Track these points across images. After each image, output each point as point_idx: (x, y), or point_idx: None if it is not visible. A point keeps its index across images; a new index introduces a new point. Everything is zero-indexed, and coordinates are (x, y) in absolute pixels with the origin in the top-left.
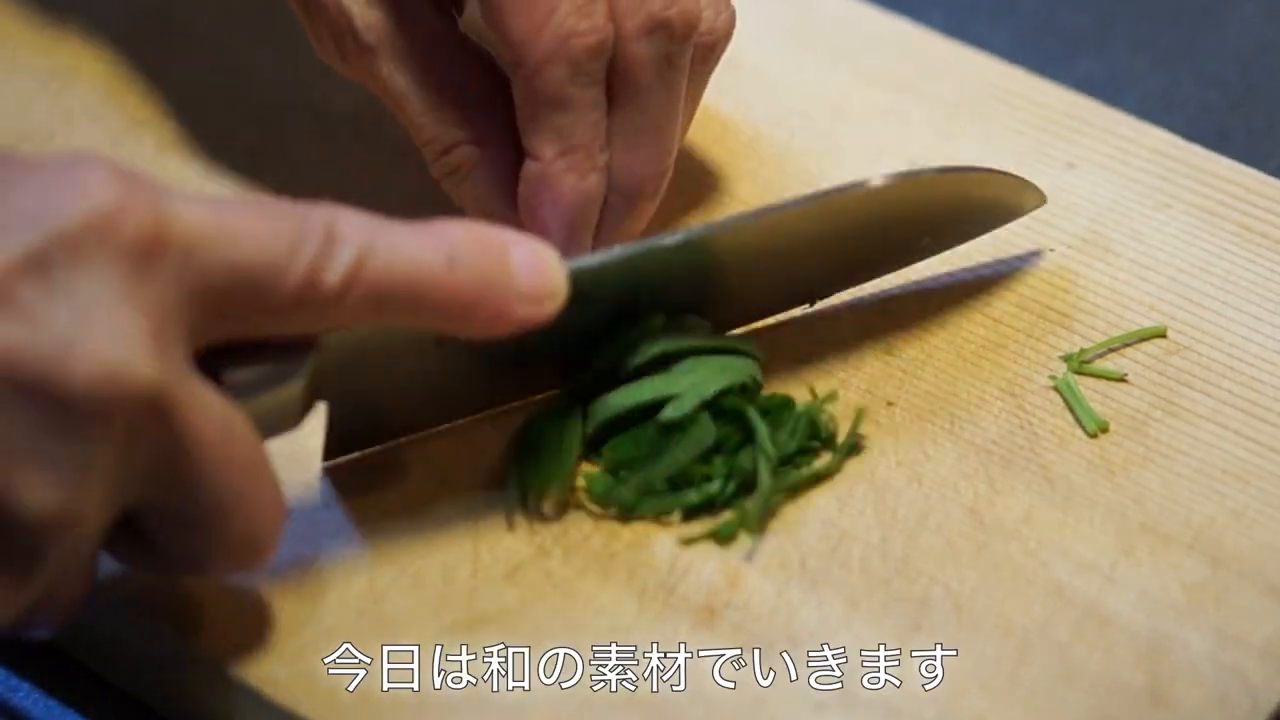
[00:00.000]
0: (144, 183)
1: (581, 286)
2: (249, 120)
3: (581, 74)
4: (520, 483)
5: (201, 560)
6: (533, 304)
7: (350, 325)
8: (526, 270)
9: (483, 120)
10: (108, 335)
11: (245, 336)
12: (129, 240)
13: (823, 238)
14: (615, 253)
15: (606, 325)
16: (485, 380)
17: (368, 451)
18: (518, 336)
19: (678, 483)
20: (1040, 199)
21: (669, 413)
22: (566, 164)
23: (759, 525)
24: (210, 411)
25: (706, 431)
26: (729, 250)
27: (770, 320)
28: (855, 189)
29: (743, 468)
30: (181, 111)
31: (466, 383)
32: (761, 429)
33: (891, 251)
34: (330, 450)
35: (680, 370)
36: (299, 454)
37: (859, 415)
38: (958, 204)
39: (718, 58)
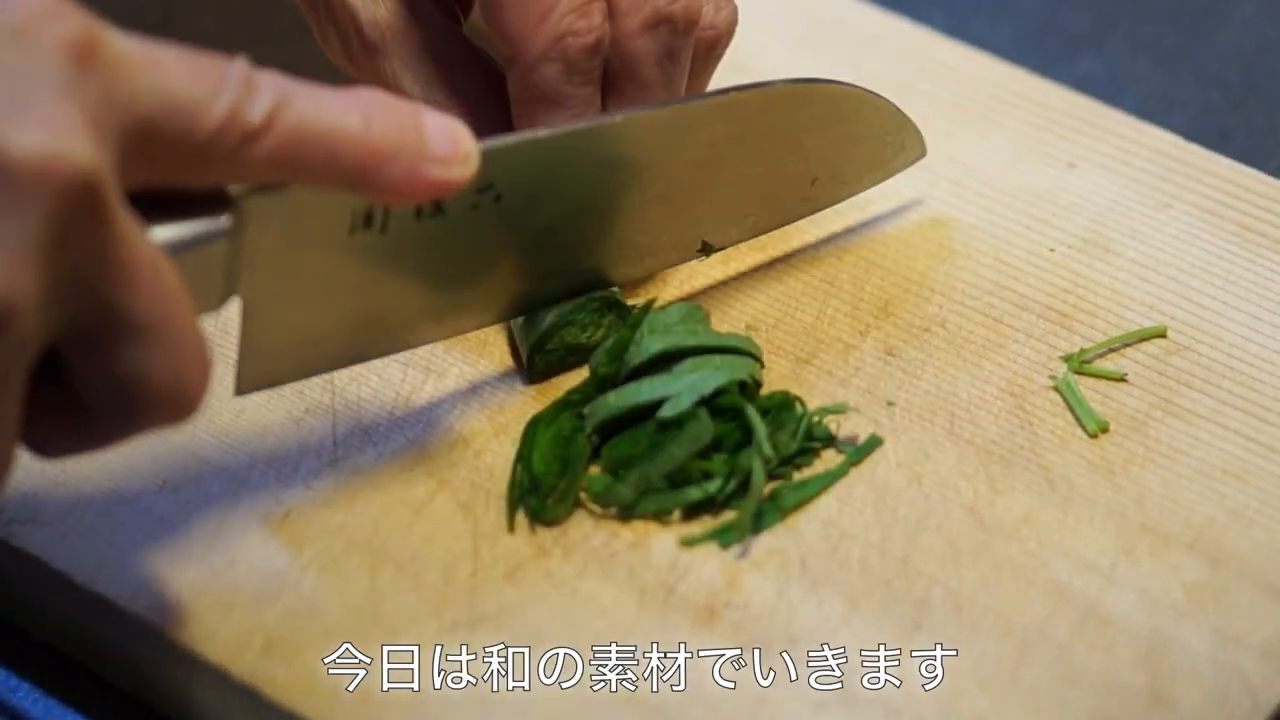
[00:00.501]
0: (76, 3)
1: (491, 174)
2: None
3: (576, 73)
4: (525, 499)
5: (125, 406)
6: (446, 165)
7: (267, 179)
8: (439, 133)
9: (484, 122)
10: (48, 117)
11: (165, 183)
12: (66, 38)
13: (713, 145)
14: (522, 135)
15: (519, 226)
16: (406, 297)
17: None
18: (432, 245)
19: (677, 481)
20: (920, 143)
21: (666, 410)
22: None
23: (750, 524)
24: (138, 233)
25: (704, 428)
26: (635, 143)
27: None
28: (716, 94)
29: (743, 466)
30: None
31: (386, 296)
32: (760, 428)
33: (777, 187)
34: (245, 376)
35: (680, 370)
36: (298, 453)
37: (872, 441)
38: (830, 132)
39: (720, 54)
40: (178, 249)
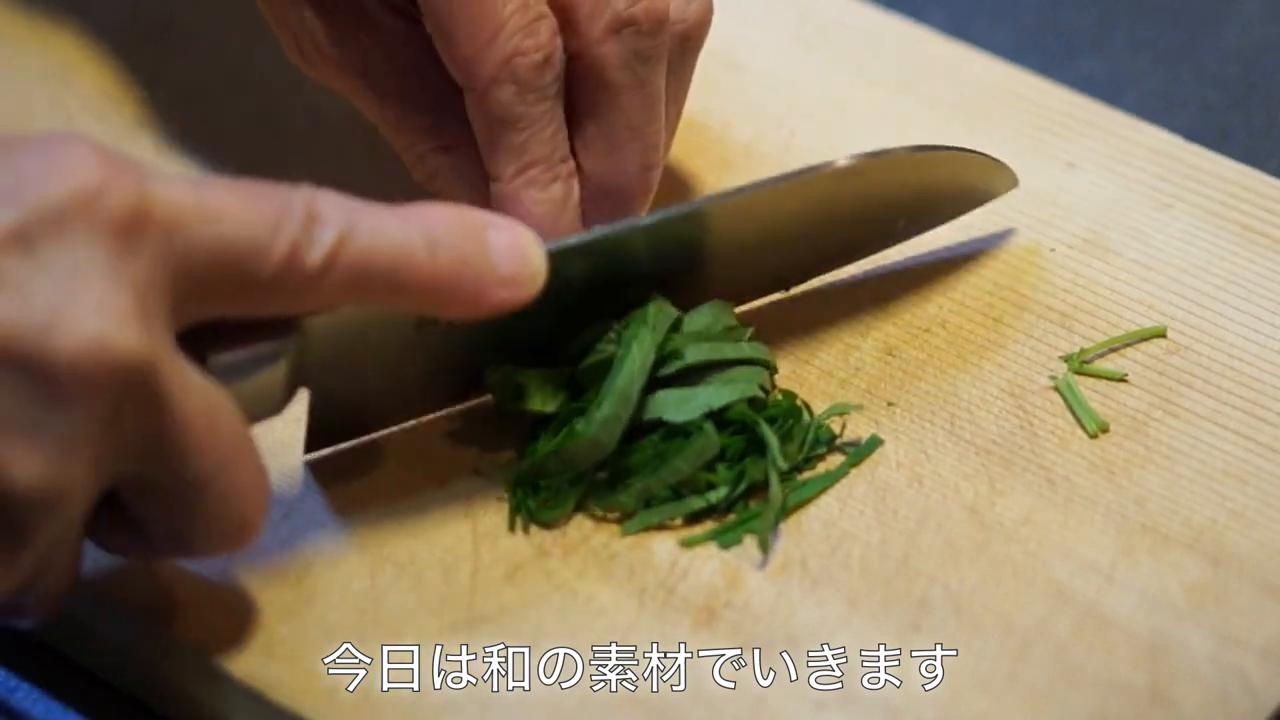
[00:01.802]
0: (127, 161)
1: (560, 268)
2: (249, 120)
3: (530, 91)
4: (525, 501)
5: (186, 540)
6: (512, 287)
7: (331, 306)
8: (505, 253)
9: (452, 124)
10: (92, 308)
11: (228, 317)
12: (112, 215)
13: (792, 219)
14: (593, 234)
15: (588, 307)
16: (467, 367)
17: (350, 443)
18: (498, 320)
19: (680, 490)
20: (1012, 180)
21: (674, 417)
22: (525, 180)
23: (769, 540)
24: (194, 388)
25: (709, 444)
26: (703, 230)
27: (750, 306)
28: (823, 168)
29: (752, 475)
30: (181, 112)
31: (448, 369)
32: (774, 443)
33: (863, 234)
34: (312, 441)
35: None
36: (298, 453)
37: (872, 441)
38: (928, 186)
39: (697, 46)
40: (239, 373)
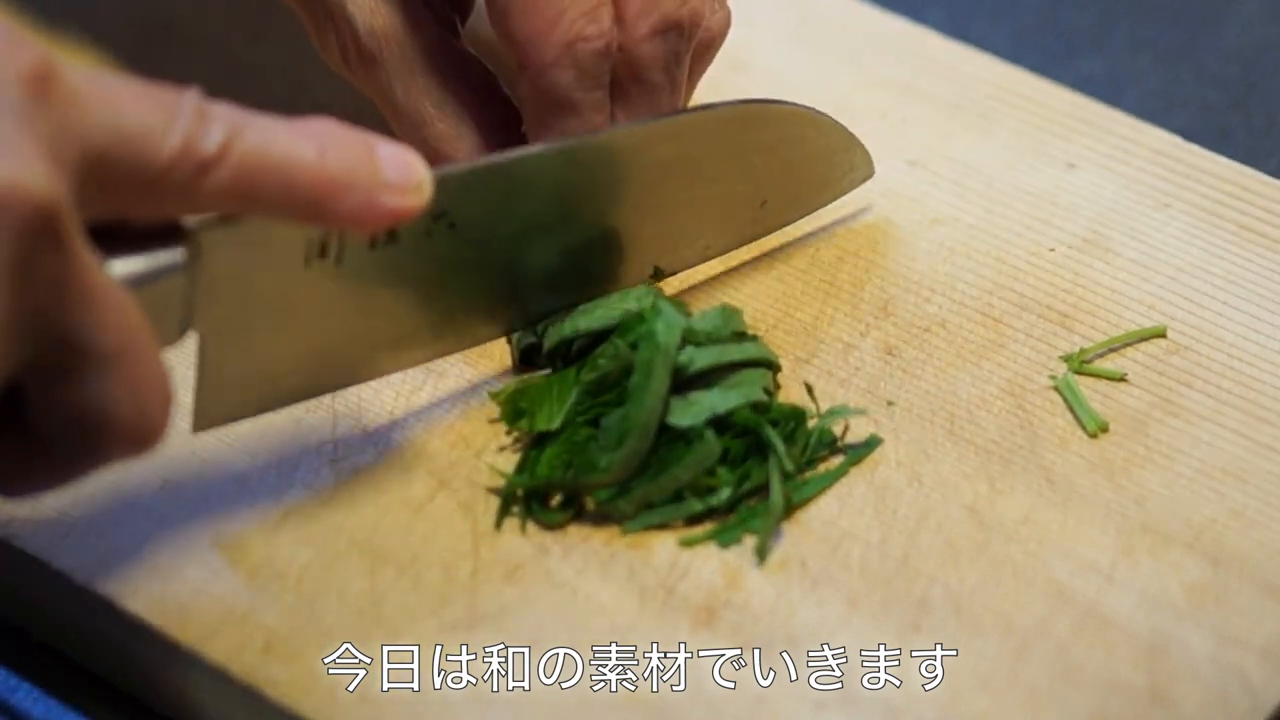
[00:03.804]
0: (31, 36)
1: (444, 202)
2: None
3: (587, 77)
4: (528, 504)
5: (87, 438)
6: (398, 193)
7: (221, 210)
8: (391, 162)
9: (475, 133)
10: (7, 146)
11: (120, 214)
12: (23, 68)
13: (665, 169)
14: (473, 163)
15: (478, 267)
16: (365, 330)
17: (243, 418)
18: (388, 270)
19: (680, 493)
20: (868, 163)
21: (677, 421)
22: None
23: (768, 545)
24: (97, 264)
25: (710, 452)
26: (585, 169)
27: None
28: (664, 116)
29: (756, 479)
30: None
31: (342, 330)
32: (780, 448)
33: (728, 209)
34: (203, 410)
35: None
36: (298, 453)
37: (872, 441)
38: (778, 154)
39: (714, 55)
40: (135, 282)
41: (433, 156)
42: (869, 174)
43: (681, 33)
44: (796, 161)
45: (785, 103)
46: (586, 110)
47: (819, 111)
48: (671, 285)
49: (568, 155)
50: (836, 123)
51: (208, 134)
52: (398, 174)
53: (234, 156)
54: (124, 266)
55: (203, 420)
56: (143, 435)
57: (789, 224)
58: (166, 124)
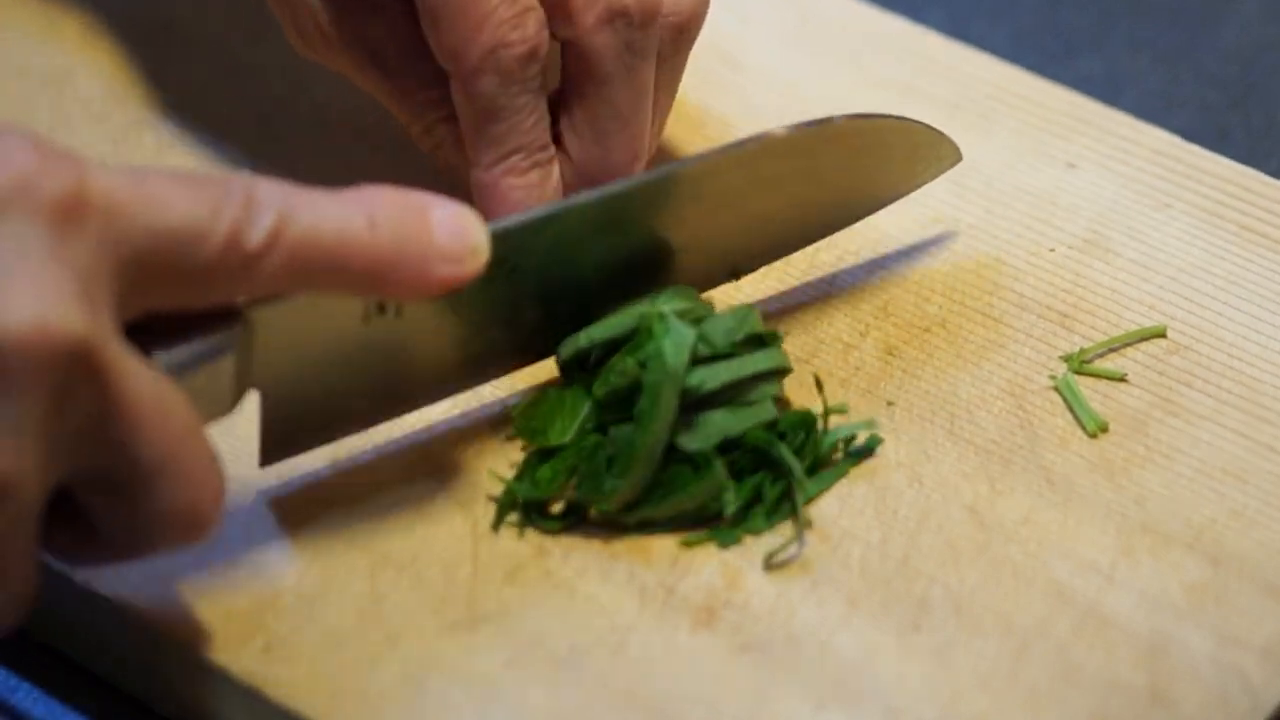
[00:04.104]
0: (63, 151)
1: (503, 250)
2: (249, 120)
3: (513, 83)
4: (530, 511)
5: (139, 534)
6: (453, 263)
7: (274, 291)
8: (446, 229)
9: (449, 109)
10: (34, 289)
11: (169, 308)
12: (51, 200)
13: (735, 194)
14: (534, 213)
15: (546, 296)
16: (422, 367)
17: (310, 452)
18: (449, 313)
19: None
20: (955, 153)
21: (687, 444)
22: (504, 168)
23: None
24: (141, 375)
25: (715, 481)
26: (649, 206)
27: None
28: (763, 137)
29: (767, 496)
30: (181, 111)
31: (401, 369)
32: (797, 468)
33: (815, 211)
34: (269, 451)
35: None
36: (303, 460)
37: (873, 431)
38: (872, 156)
39: (690, 39)
40: (185, 366)
41: (424, 120)
42: (957, 159)
43: (631, 20)
44: (882, 162)
45: (868, 115)
46: (514, 115)
47: (906, 118)
48: None
49: (630, 196)
50: (926, 126)
51: (256, 222)
52: (453, 240)
53: (284, 243)
54: (173, 357)
55: (269, 457)
56: (196, 526)
57: (869, 214)
58: (213, 217)
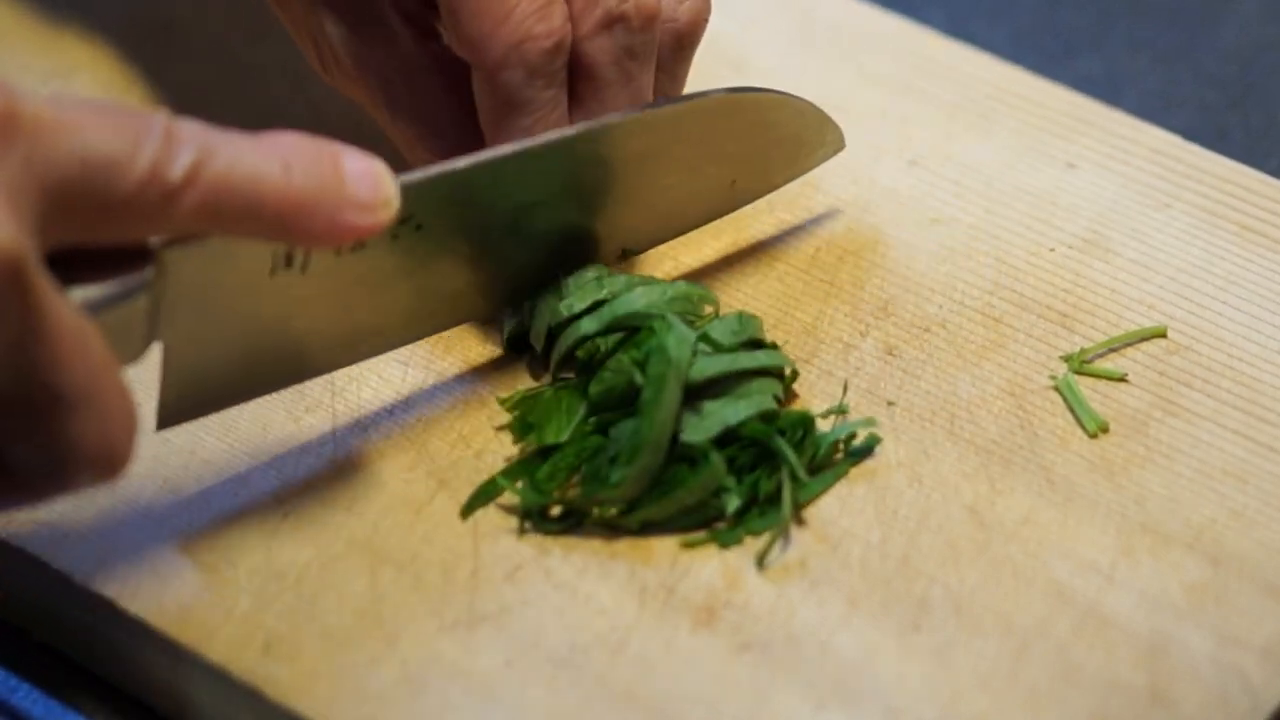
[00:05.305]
0: None
1: (411, 206)
2: (249, 120)
3: (539, 76)
4: (530, 511)
5: (56, 471)
6: (365, 211)
7: (188, 231)
8: (359, 178)
9: (454, 141)
10: None
11: (86, 241)
12: None
13: (626, 166)
14: (440, 168)
15: (455, 254)
16: (330, 327)
17: (208, 415)
18: (354, 270)
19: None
20: (840, 140)
21: (688, 436)
22: None
23: (771, 549)
24: (63, 301)
25: (716, 474)
26: (547, 171)
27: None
28: (645, 107)
29: (766, 489)
30: (181, 111)
31: (307, 328)
32: (793, 459)
33: (697, 191)
34: (167, 411)
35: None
36: (298, 452)
37: (872, 430)
38: (758, 135)
39: (691, 45)
40: (98, 305)
41: (427, 159)
42: (840, 147)
43: (629, 26)
44: (768, 142)
45: (753, 89)
46: (539, 109)
47: (792, 95)
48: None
49: (534, 156)
50: (809, 104)
51: (176, 159)
52: (365, 190)
53: (202, 180)
54: (88, 293)
55: (166, 420)
56: (109, 464)
57: (758, 199)
58: (134, 149)
